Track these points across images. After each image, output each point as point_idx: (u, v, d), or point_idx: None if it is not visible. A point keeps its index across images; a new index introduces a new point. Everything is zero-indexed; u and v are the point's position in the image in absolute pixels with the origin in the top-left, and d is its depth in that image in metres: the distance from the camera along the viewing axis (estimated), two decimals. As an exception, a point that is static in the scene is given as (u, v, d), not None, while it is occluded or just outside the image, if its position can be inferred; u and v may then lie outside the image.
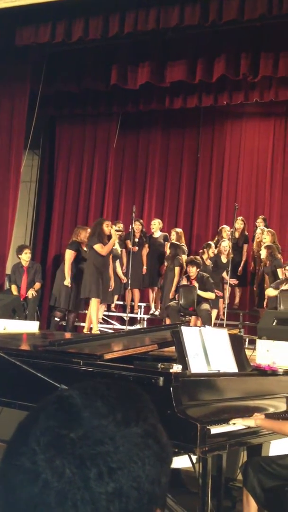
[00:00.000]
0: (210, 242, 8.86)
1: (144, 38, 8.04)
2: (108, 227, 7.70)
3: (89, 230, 8.29)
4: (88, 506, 0.61)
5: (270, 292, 7.58)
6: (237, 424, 2.94)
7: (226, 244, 8.49)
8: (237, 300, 9.19)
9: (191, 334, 3.22)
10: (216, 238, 9.17)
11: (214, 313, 8.11)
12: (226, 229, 9.03)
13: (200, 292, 7.60)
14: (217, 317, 8.25)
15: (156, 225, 9.30)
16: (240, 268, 8.97)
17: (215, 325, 7.60)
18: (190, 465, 3.38)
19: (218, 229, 9.48)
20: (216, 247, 8.78)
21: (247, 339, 7.65)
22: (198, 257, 8.10)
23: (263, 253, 8.11)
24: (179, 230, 9.03)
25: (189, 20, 7.16)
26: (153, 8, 7.29)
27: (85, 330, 7.68)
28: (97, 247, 7.48)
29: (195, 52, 8.20)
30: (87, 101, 10.15)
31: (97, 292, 7.40)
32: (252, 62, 7.93)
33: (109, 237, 7.73)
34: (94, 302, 7.48)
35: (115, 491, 0.62)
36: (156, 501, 0.65)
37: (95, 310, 7.50)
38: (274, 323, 5.49)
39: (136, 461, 0.64)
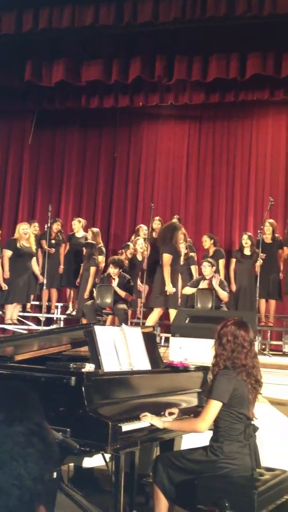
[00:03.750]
0: (128, 243, 8.92)
1: (59, 35, 7.95)
2: (182, 234, 7.13)
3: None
4: None
5: (187, 290, 7.73)
6: (146, 420, 2.97)
7: (141, 243, 8.58)
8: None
9: (104, 334, 3.23)
10: (133, 237, 9.24)
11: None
12: (143, 228, 9.13)
13: (116, 288, 7.62)
14: (134, 316, 8.32)
15: (76, 224, 9.22)
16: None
17: (131, 324, 7.66)
18: (103, 463, 3.39)
19: (135, 228, 9.56)
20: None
21: (163, 337, 7.79)
22: (121, 258, 8.10)
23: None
24: (95, 229, 9.01)
25: (104, 20, 7.18)
26: (67, 5, 7.24)
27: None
28: (167, 257, 6.87)
29: (111, 52, 8.22)
30: (0, 97, 9.90)
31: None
32: (167, 65, 8.06)
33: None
34: (158, 312, 7.09)
35: None
36: (39, 498, 0.65)
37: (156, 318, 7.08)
38: (186, 321, 5.63)
39: (17, 459, 0.64)
